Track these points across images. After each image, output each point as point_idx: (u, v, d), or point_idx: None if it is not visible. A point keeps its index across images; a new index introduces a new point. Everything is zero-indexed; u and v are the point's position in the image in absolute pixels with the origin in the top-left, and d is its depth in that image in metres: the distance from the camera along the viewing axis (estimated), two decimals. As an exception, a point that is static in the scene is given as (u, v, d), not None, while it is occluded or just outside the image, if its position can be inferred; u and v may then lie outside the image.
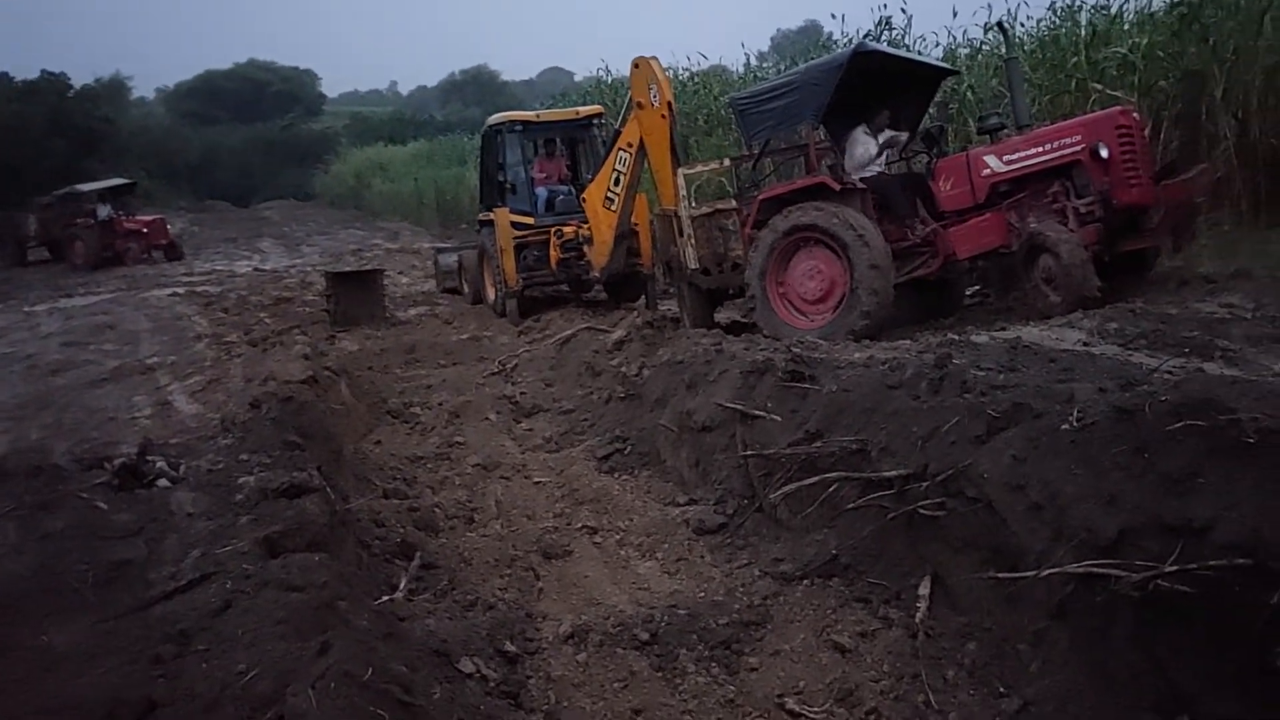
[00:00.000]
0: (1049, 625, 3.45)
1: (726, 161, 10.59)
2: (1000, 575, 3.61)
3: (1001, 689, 3.41)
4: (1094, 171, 7.42)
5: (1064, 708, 3.19)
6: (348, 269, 15.70)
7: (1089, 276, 7.05)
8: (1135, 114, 7.91)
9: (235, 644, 2.89)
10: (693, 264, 8.90)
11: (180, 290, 17.43)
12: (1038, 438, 3.78)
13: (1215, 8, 10.11)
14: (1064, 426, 3.71)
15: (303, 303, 14.84)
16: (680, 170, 9.25)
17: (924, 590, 3.96)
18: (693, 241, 8.84)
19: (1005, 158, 7.79)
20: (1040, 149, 7.65)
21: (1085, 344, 5.74)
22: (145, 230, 25.96)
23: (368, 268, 15.40)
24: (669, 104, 9.46)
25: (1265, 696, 2.78)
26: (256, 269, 21.45)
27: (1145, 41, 10.81)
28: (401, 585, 4.34)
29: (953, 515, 3.95)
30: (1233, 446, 3.09)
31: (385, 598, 4.04)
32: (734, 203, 9.14)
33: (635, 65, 9.81)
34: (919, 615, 3.84)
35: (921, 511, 4.04)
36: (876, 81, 8.66)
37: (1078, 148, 7.46)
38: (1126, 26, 11.72)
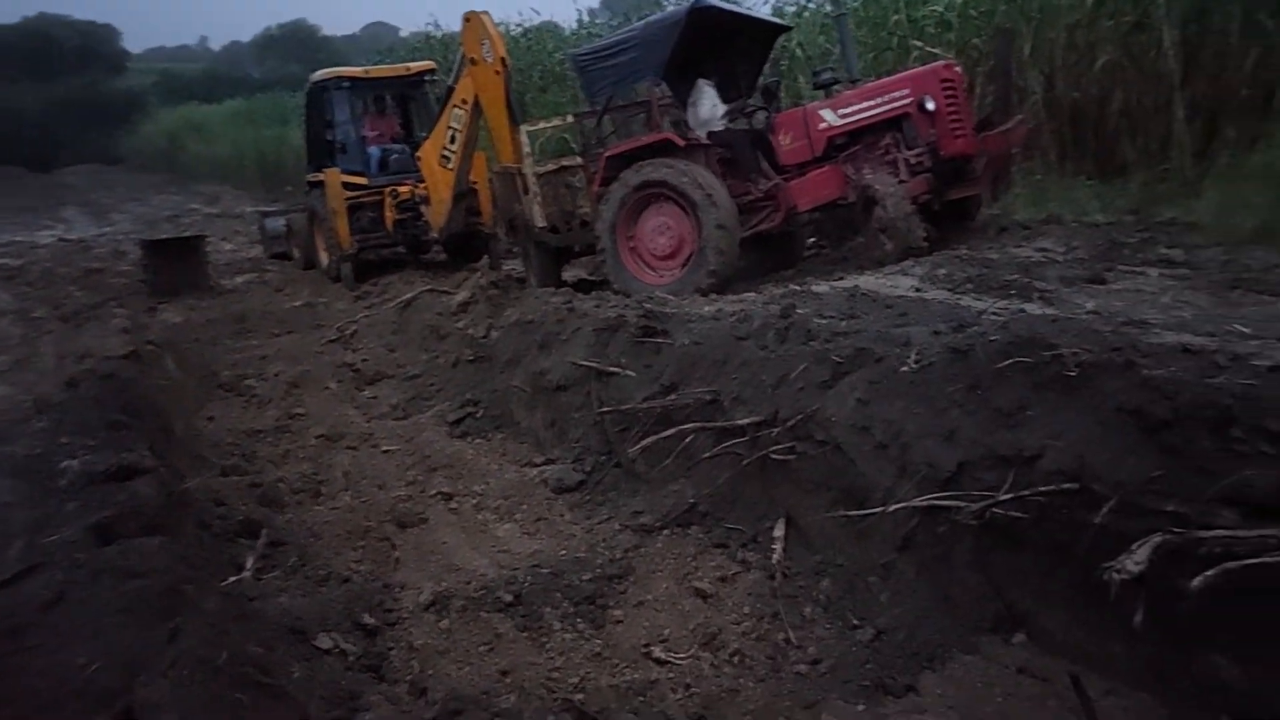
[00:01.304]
0: (896, 557, 3.64)
1: (570, 118, 10.47)
2: (850, 513, 3.79)
3: (855, 621, 3.58)
4: (921, 124, 7.68)
5: (913, 634, 3.38)
6: (165, 236, 14.89)
7: (914, 228, 7.35)
8: (958, 68, 8.21)
9: (74, 637, 2.70)
10: (540, 222, 8.81)
11: (-26, 265, 16.01)
12: (879, 380, 3.95)
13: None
14: (903, 368, 3.90)
15: (117, 274, 13.93)
16: (523, 127, 9.12)
17: (779, 532, 4.10)
18: (539, 200, 8.75)
19: (839, 111, 7.96)
20: (871, 103, 7.84)
21: (918, 290, 6.01)
22: (-71, 200, 23.75)
23: (188, 234, 14.70)
24: (503, 59, 9.28)
25: (1092, 609, 3.02)
26: (61, 239, 19.87)
27: (960, 0, 11.33)
28: (249, 564, 4.16)
29: (803, 458, 4.09)
30: (1056, 380, 3.32)
31: (233, 578, 3.86)
32: (579, 159, 9.07)
33: (466, 20, 9.57)
34: (775, 556, 3.98)
35: (774, 456, 4.18)
36: (714, 37, 8.73)
37: (906, 101, 7.69)
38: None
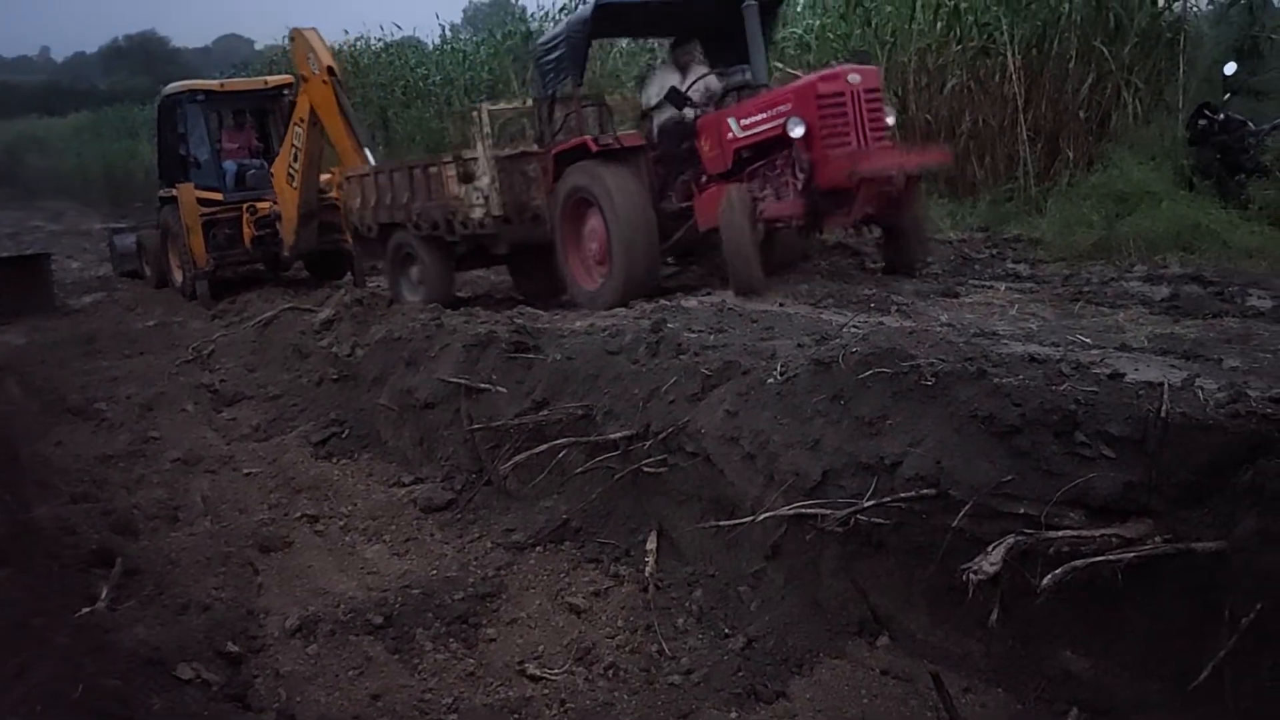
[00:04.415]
0: (766, 565, 3.71)
1: (529, 102, 9.63)
2: (720, 523, 3.83)
3: (727, 630, 3.62)
4: (800, 146, 6.53)
5: (783, 641, 3.45)
6: (6, 254, 14.21)
7: (749, 274, 6.58)
8: (852, 76, 6.70)
9: (-94, 680, 2.51)
10: (496, 210, 7.99)
11: None
12: (747, 392, 4.03)
13: (876, -6, 11.15)
14: (769, 380, 3.99)
15: (-48, 294, 13.08)
16: (484, 105, 8.79)
17: (651, 544, 4.13)
18: (497, 186, 7.96)
19: (741, 122, 6.94)
20: (764, 115, 6.76)
21: (781, 305, 6.16)
22: None
23: (30, 252, 14.13)
24: (329, 69, 9.28)
25: (951, 610, 3.14)
26: (-115, 257, 18.55)
27: (818, 24, 11.77)
28: (103, 595, 3.94)
29: (674, 470, 4.14)
30: (915, 389, 3.45)
31: (86, 610, 3.66)
32: (537, 147, 8.26)
33: (291, 39, 9.58)
34: (648, 569, 4.00)
35: (645, 470, 4.21)
36: (712, 19, 7.90)
37: (781, 120, 6.56)
38: (800, 9, 12.63)
